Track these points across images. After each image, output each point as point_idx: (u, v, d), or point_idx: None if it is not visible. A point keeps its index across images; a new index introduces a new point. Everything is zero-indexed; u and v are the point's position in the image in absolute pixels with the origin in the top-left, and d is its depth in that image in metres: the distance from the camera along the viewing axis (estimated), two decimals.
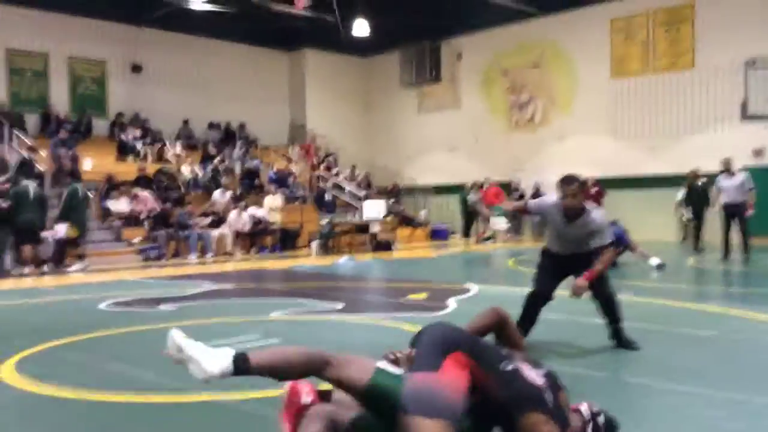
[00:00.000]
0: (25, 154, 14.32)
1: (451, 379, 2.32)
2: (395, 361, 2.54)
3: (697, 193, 13.38)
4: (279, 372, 2.46)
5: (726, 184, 11.50)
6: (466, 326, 2.84)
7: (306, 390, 2.52)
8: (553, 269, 4.86)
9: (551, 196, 4.84)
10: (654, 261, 10.24)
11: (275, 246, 15.58)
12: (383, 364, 2.47)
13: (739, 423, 3.10)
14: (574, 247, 4.78)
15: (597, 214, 4.67)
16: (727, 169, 11.55)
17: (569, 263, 4.78)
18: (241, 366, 2.41)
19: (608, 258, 4.60)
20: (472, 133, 21.21)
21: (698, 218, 13.26)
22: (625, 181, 17.75)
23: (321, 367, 2.41)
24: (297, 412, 2.48)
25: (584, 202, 4.66)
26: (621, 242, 10.66)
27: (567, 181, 4.59)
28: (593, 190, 16.35)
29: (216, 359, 2.40)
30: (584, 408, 2.63)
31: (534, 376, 2.52)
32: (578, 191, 4.56)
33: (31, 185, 11.58)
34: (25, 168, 13.53)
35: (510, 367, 2.46)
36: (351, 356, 2.50)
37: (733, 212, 11.46)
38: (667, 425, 3.10)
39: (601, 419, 2.61)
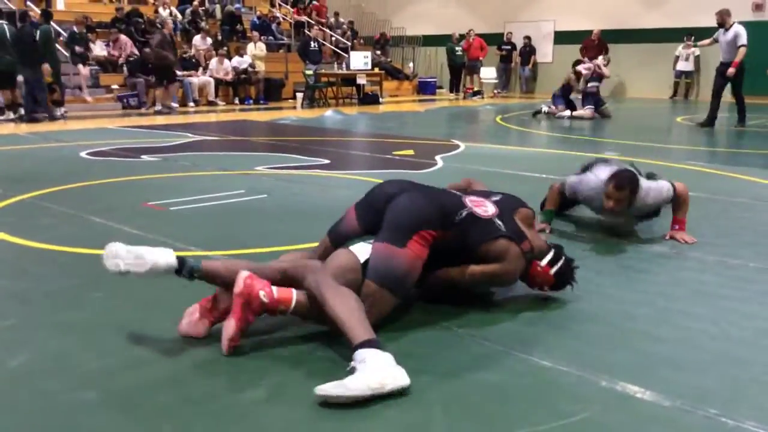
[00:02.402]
0: None
1: (410, 256, 2.44)
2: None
3: None
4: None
5: (720, 40, 10.09)
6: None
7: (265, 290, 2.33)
8: None
9: (591, 178, 3.89)
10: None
11: (259, 96, 15.16)
12: (357, 248, 2.52)
13: (727, 289, 3.09)
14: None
15: (651, 193, 3.73)
16: (721, 24, 9.96)
17: None
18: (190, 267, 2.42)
19: (686, 204, 3.88)
20: None
21: None
22: (622, 34, 17.19)
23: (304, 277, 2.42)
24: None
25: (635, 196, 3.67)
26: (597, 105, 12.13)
27: (618, 186, 3.58)
28: (596, 43, 16.08)
29: (162, 253, 2.40)
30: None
31: (484, 210, 2.69)
32: (627, 199, 3.62)
33: (6, 25, 10.83)
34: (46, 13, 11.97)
35: (464, 214, 2.63)
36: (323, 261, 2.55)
37: (723, 72, 10.11)
38: (659, 288, 3.09)
39: (563, 250, 2.88)
